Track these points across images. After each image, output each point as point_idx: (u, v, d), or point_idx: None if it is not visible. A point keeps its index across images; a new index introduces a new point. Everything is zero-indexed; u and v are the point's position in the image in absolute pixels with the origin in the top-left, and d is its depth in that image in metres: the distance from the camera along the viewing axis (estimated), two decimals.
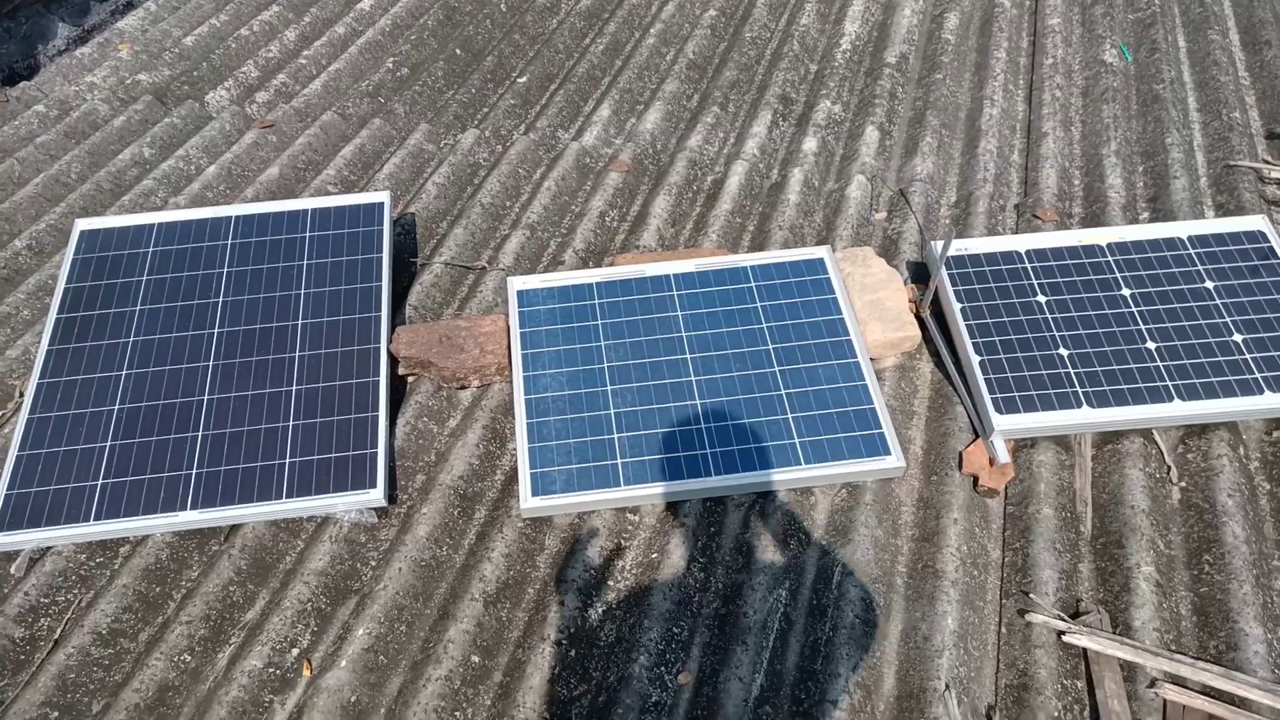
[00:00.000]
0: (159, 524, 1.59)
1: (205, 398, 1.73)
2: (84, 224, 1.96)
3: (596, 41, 2.85)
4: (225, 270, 1.90)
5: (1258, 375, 1.62)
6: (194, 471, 1.65)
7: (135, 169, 2.39)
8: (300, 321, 1.82)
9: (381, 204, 2.00)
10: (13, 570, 1.58)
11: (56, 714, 1.40)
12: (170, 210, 2.08)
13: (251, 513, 1.61)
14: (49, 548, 1.60)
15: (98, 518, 1.60)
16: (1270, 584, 1.48)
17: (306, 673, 1.47)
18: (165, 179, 2.34)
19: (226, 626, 1.53)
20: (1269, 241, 1.79)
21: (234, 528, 1.63)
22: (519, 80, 2.71)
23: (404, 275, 2.08)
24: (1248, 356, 1.64)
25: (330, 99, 2.66)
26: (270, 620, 1.50)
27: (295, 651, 1.49)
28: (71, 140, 2.49)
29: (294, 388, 1.74)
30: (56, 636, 1.51)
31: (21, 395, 1.85)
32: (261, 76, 2.75)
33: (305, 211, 1.99)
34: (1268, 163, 2.21)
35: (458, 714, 1.40)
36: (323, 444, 1.68)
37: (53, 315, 1.83)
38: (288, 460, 1.66)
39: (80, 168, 2.39)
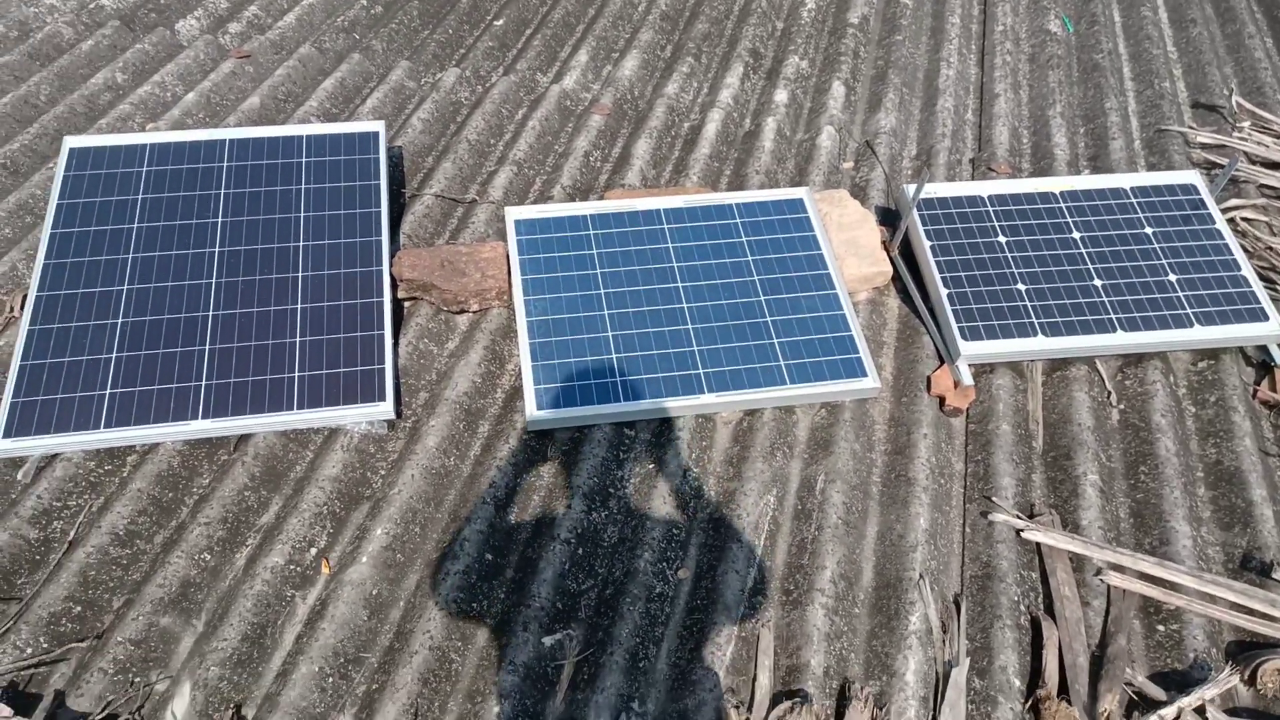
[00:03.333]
0: (171, 431, 1.64)
1: (210, 313, 1.77)
2: (73, 141, 1.95)
3: None
4: (222, 192, 1.92)
5: (1189, 311, 1.82)
6: (203, 383, 1.69)
7: (109, 93, 2.37)
8: (302, 243, 1.87)
9: (376, 133, 2.04)
10: (19, 476, 1.61)
11: (79, 608, 1.45)
12: (162, 131, 2.08)
13: (264, 422, 1.66)
14: (56, 455, 1.63)
15: (108, 425, 1.63)
16: (1195, 490, 1.69)
17: (325, 570, 1.55)
18: (142, 104, 2.32)
19: (243, 529, 1.59)
20: (1200, 194, 1.98)
21: (243, 437, 1.68)
22: (495, 23, 2.76)
23: (394, 205, 2.13)
24: (1180, 294, 1.84)
25: (305, 33, 2.66)
26: (288, 522, 1.56)
27: (313, 551, 1.56)
28: (36, 62, 2.44)
29: (299, 306, 1.79)
30: (71, 538, 1.54)
31: (12, 310, 1.85)
32: (231, 8, 2.73)
33: (301, 138, 2.02)
34: (1193, 128, 2.43)
35: (474, 605, 1.50)
36: (330, 360, 1.74)
37: (47, 230, 1.83)
38: (296, 374, 1.72)
39: (50, 90, 2.35)
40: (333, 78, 2.46)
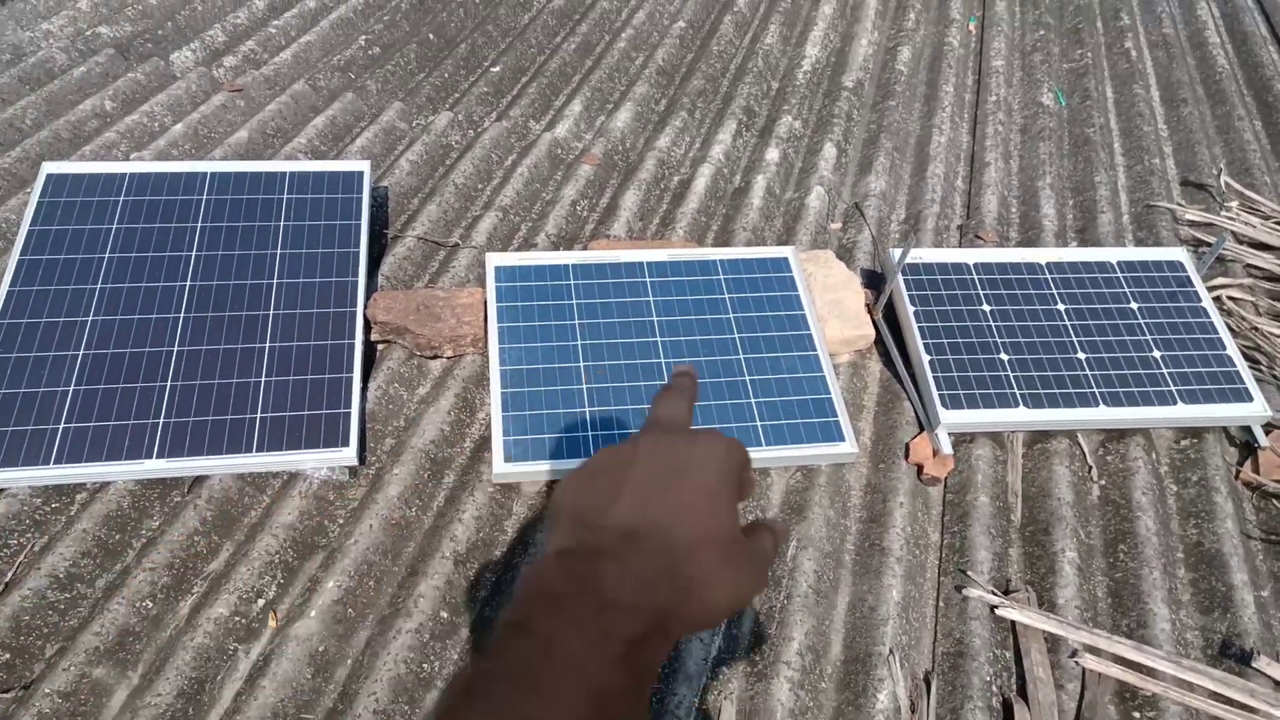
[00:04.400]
0: (123, 470, 1.58)
1: (175, 349, 1.72)
2: (51, 167, 1.93)
3: (569, 40, 2.92)
4: (199, 225, 1.89)
5: (1172, 388, 1.79)
6: (161, 421, 1.64)
7: (95, 120, 2.35)
8: (276, 281, 1.83)
9: (361, 173, 2.02)
10: None
11: (8, 655, 1.38)
12: (143, 161, 2.06)
13: (220, 464, 1.61)
14: (2, 489, 1.57)
15: (58, 461, 1.57)
16: (1175, 572, 1.64)
17: (272, 623, 1.49)
18: (128, 133, 2.31)
19: (190, 575, 1.53)
20: (1186, 271, 1.97)
21: (199, 479, 1.63)
22: (492, 69, 2.76)
23: (375, 247, 2.10)
24: (1165, 371, 1.81)
25: (300, 70, 2.66)
26: (236, 571, 1.51)
27: (261, 602, 1.50)
28: (26, 86, 2.43)
29: (268, 345, 1.75)
30: (8, 579, 1.48)
31: None
32: (229, 42, 2.74)
33: (284, 174, 2.00)
34: (1182, 205, 2.43)
35: (425, 666, 1.43)
36: (295, 401, 1.69)
37: (15, 256, 1.80)
38: (259, 415, 1.67)
39: (36, 114, 2.33)
40: (324, 115, 2.45)
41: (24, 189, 2.10)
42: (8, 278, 1.76)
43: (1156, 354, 1.84)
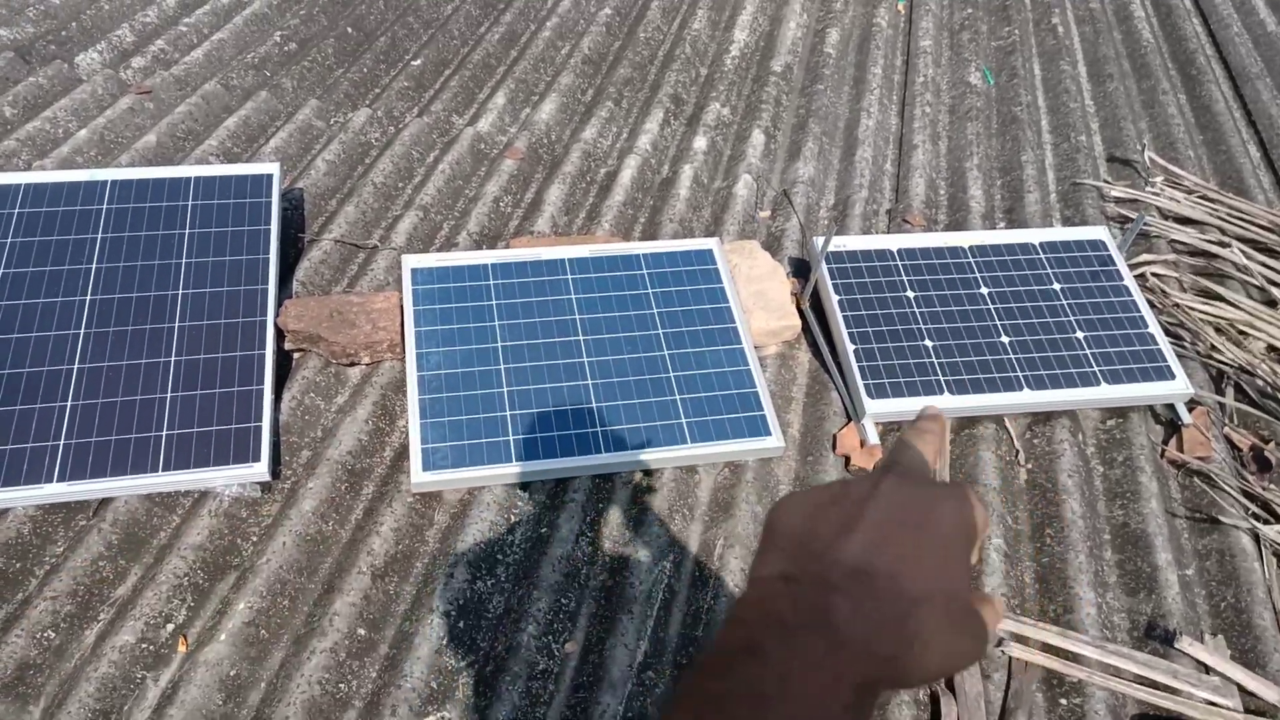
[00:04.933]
0: (22, 496, 1.52)
1: (75, 366, 1.66)
2: None
3: (492, 30, 2.86)
4: (100, 236, 1.82)
5: (1096, 369, 1.79)
6: (61, 442, 1.57)
7: None
8: (181, 291, 1.77)
9: (270, 175, 1.96)
10: None
11: None
12: (38, 171, 1.98)
13: (125, 485, 1.55)
14: None
15: None
16: (1101, 554, 1.65)
17: (182, 648, 1.44)
18: (30, 140, 2.21)
19: (95, 603, 1.47)
20: (1109, 250, 1.98)
21: (104, 501, 1.57)
22: (413, 63, 2.70)
23: (291, 251, 2.04)
24: (1088, 352, 1.81)
25: (213, 69, 2.57)
26: (144, 596, 1.45)
27: (170, 627, 1.45)
28: None
29: (173, 358, 1.69)
30: None
31: None
32: (138, 41, 2.64)
33: (188, 179, 1.93)
34: (1108, 182, 2.44)
35: (342, 686, 1.39)
36: (203, 417, 1.63)
37: None
38: (164, 433, 1.61)
39: None
40: (236, 116, 2.37)
41: None
42: None
43: (1080, 335, 1.84)
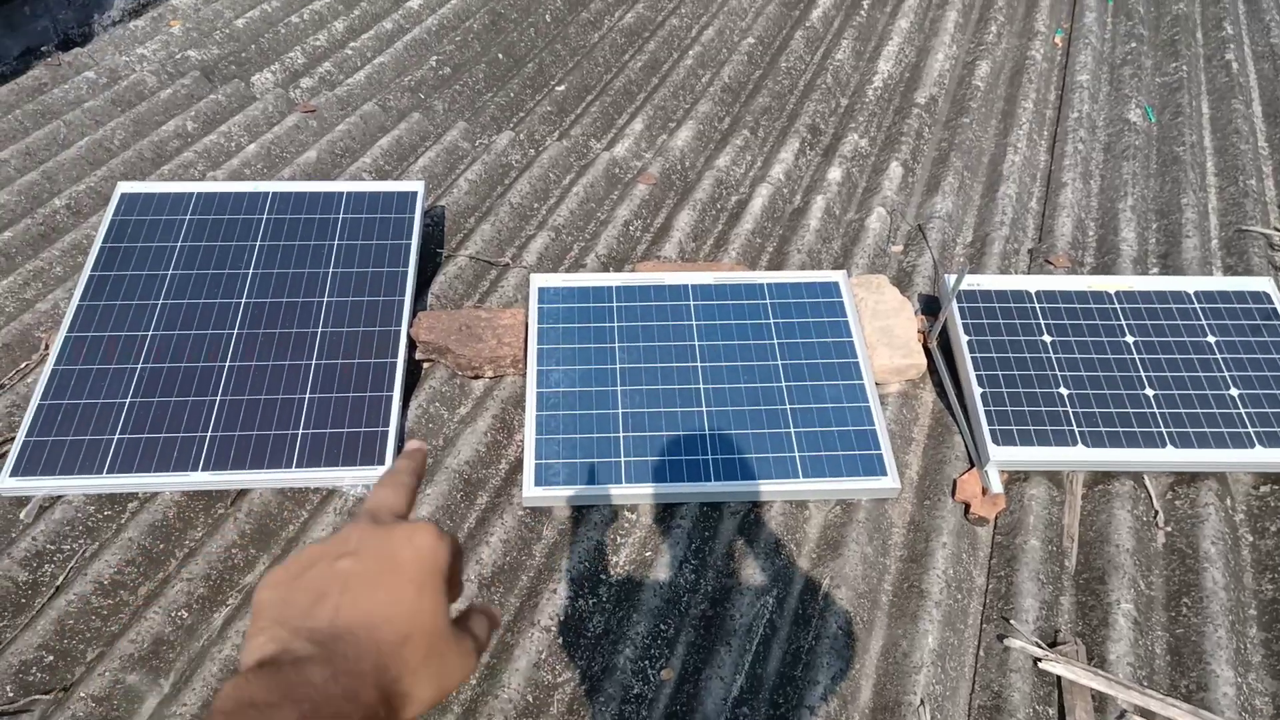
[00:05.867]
0: (170, 482, 1.64)
1: (227, 364, 1.78)
2: (125, 187, 2.02)
3: (636, 58, 2.92)
4: (258, 243, 1.96)
5: (1251, 430, 1.66)
6: (209, 434, 1.69)
7: (177, 140, 2.46)
8: (326, 299, 1.88)
9: (415, 193, 2.06)
10: (22, 516, 1.63)
11: (52, 657, 1.44)
12: (209, 181, 2.15)
13: (261, 479, 1.65)
14: (59, 496, 1.64)
15: (111, 471, 1.64)
16: (1245, 631, 1.51)
17: None
18: (205, 153, 2.41)
19: (225, 587, 1.57)
20: (1273, 303, 1.83)
21: (242, 492, 1.68)
22: (557, 89, 2.78)
23: (429, 265, 2.13)
24: (1243, 411, 1.68)
25: (372, 90, 2.73)
26: None
27: None
28: (118, 108, 2.56)
29: (314, 362, 1.79)
30: (59, 583, 1.55)
31: (48, 348, 1.90)
32: (307, 63, 2.83)
33: (340, 194, 2.05)
34: (1278, 230, 2.26)
35: None
36: (336, 418, 1.72)
37: (86, 271, 1.89)
38: (300, 431, 1.71)
39: (124, 135, 2.46)
40: (390, 135, 2.51)
41: (106, 206, 2.21)
42: (78, 292, 1.85)
43: (1234, 392, 1.70)
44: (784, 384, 1.78)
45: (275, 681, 0.46)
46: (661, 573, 1.58)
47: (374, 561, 0.52)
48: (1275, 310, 1.81)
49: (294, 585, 0.52)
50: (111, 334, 1.80)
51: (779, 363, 1.81)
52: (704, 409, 1.74)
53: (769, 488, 1.65)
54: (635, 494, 1.64)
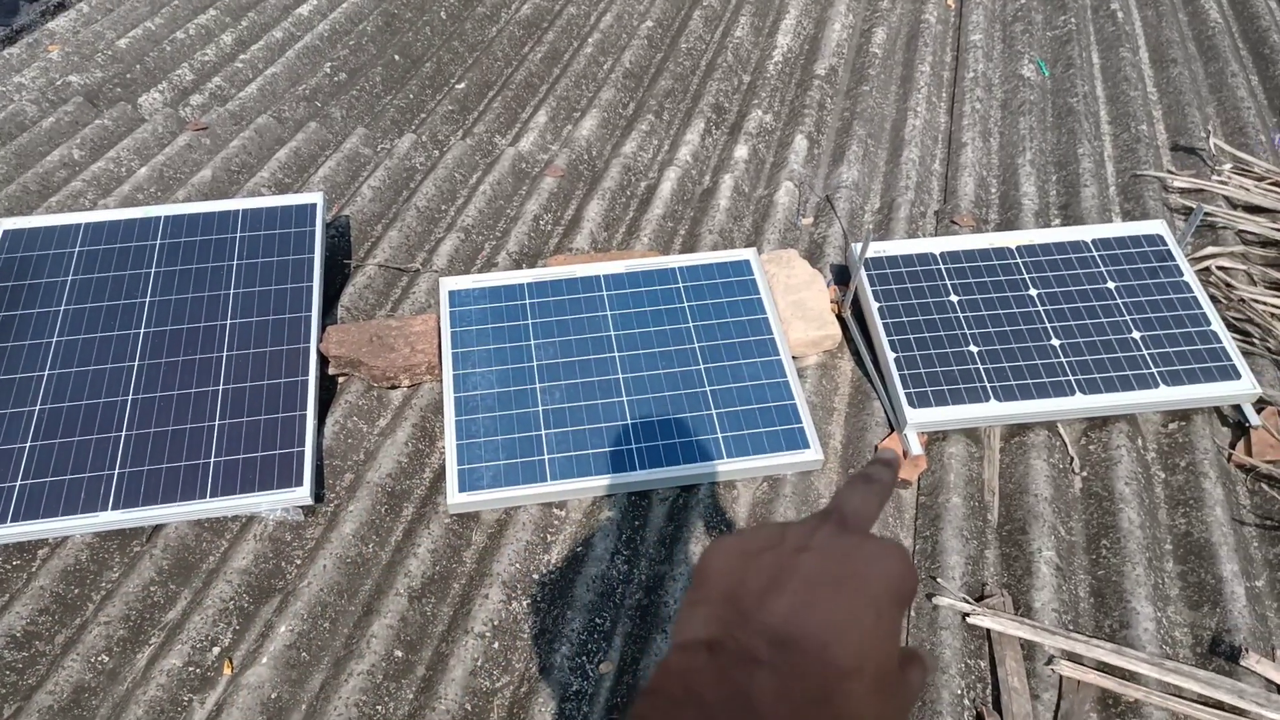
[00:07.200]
0: (79, 524, 1.58)
1: (130, 398, 1.72)
2: (8, 223, 1.94)
3: (535, 50, 2.88)
4: (153, 270, 1.89)
5: (1154, 370, 1.70)
6: (116, 471, 1.64)
7: (64, 170, 2.37)
8: (229, 321, 1.82)
9: (314, 205, 2.01)
10: None
11: None
12: (98, 210, 2.07)
13: (175, 512, 1.60)
14: None
15: (15, 519, 1.58)
16: (1162, 566, 1.56)
17: (227, 671, 1.47)
18: (95, 180, 2.32)
19: (146, 627, 1.52)
20: (1167, 245, 1.88)
21: (157, 528, 1.63)
22: (458, 86, 2.74)
23: (337, 277, 2.09)
24: (1145, 353, 1.73)
25: (266, 103, 2.66)
26: (191, 619, 1.50)
27: (216, 650, 1.49)
28: None
29: (220, 387, 1.74)
30: None
31: None
32: (196, 80, 2.74)
33: (236, 212, 1.99)
34: (1171, 172, 2.33)
35: (379, 708, 1.41)
36: (249, 443, 1.68)
37: None
38: (213, 459, 1.66)
39: (5, 169, 2.36)
40: (287, 147, 2.44)
41: None
42: None
43: (1136, 335, 1.75)
44: (702, 366, 1.78)
45: (725, 679, 0.41)
46: (594, 566, 1.57)
47: (838, 568, 0.46)
48: (1169, 251, 1.87)
49: (749, 562, 0.46)
50: (4, 378, 1.73)
51: (695, 346, 1.81)
52: (624, 399, 1.73)
53: (694, 471, 1.65)
54: (562, 490, 1.63)
